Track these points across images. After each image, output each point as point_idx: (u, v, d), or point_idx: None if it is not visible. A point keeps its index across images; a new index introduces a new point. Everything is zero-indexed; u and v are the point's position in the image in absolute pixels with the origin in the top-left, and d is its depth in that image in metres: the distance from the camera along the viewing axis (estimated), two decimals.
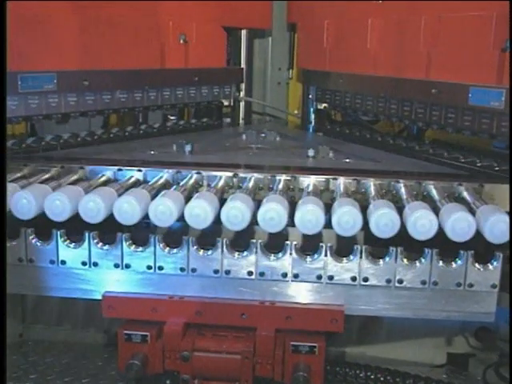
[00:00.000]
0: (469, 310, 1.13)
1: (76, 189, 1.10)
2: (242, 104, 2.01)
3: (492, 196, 1.13)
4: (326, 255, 1.11)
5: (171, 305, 1.16)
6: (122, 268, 1.16)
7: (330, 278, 1.13)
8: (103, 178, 1.20)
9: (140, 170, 1.21)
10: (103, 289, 1.17)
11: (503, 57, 1.22)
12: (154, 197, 1.09)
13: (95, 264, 1.16)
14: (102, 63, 1.51)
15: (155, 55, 1.65)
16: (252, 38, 2.03)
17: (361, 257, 1.06)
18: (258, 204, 1.08)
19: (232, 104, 1.91)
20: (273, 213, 1.03)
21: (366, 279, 1.12)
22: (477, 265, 1.09)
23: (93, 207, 1.04)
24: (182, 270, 1.15)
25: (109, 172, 1.22)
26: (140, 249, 1.15)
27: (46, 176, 1.20)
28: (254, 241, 1.11)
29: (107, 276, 1.17)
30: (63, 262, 1.16)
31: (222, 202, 1.09)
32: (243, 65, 2.00)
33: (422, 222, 0.99)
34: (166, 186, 1.18)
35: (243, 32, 1.99)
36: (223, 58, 1.87)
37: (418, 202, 1.05)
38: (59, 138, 1.47)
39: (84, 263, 1.16)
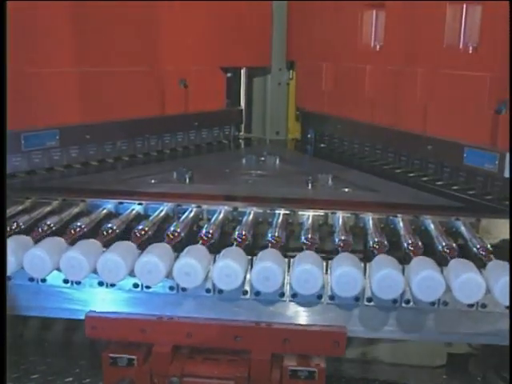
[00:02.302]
0: (482, 332, 1.06)
1: (93, 245, 1.03)
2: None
3: (489, 230, 1.13)
4: (326, 273, 1.02)
5: (159, 326, 1.07)
6: (107, 286, 1.09)
7: (331, 297, 1.05)
8: (104, 212, 1.20)
9: (141, 204, 1.21)
10: (88, 308, 1.10)
11: (497, 119, 1.23)
12: (155, 232, 1.09)
13: (77, 282, 1.08)
14: (102, 114, 1.56)
15: (156, 102, 1.72)
16: (252, 76, 2.08)
17: (364, 275, 0.99)
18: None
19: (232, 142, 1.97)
20: (268, 272, 0.96)
21: (369, 299, 1.04)
22: None
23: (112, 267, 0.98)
24: (171, 288, 1.07)
25: (110, 205, 1.22)
26: None
27: (48, 209, 1.20)
28: (249, 257, 1.03)
29: (91, 295, 1.10)
30: (43, 280, 1.09)
31: (223, 236, 1.09)
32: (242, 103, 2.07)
33: (428, 284, 0.94)
34: (167, 219, 1.18)
35: (242, 71, 2.04)
36: (223, 100, 1.94)
37: (422, 259, 0.99)
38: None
39: (66, 281, 1.09)
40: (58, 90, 1.48)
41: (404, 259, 1.03)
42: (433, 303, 1.03)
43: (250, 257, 1.03)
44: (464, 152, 1.31)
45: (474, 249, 1.03)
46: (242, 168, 1.66)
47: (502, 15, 1.20)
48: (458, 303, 1.00)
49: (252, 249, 1.09)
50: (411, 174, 1.50)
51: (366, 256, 1.09)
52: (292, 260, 1.01)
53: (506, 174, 1.19)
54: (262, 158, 1.73)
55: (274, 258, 0.99)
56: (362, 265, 1.00)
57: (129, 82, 1.62)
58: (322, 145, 1.88)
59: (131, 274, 0.99)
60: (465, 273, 0.93)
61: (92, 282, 1.08)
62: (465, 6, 1.34)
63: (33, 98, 1.41)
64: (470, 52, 1.33)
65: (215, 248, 1.07)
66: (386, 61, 1.57)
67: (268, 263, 0.97)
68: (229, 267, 0.97)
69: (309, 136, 1.92)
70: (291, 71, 2.07)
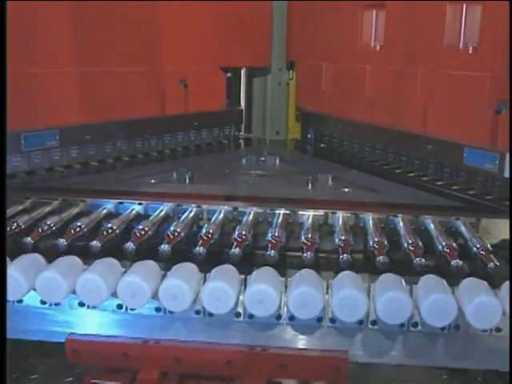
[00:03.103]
0: (497, 358, 0.98)
1: (72, 263, 0.98)
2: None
3: (489, 230, 1.12)
4: (326, 293, 0.95)
5: (145, 350, 0.99)
6: (88, 307, 1.00)
7: (332, 320, 0.97)
8: (104, 212, 1.20)
9: (141, 204, 1.21)
10: (70, 330, 1.03)
11: (497, 119, 1.23)
12: (155, 232, 1.08)
13: (56, 303, 1.01)
14: (102, 114, 1.56)
15: (156, 102, 1.72)
16: (252, 76, 2.08)
17: (369, 296, 0.92)
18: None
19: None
20: (262, 295, 0.89)
21: (374, 322, 0.97)
22: None
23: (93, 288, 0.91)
24: (157, 310, 1.00)
25: (110, 205, 1.21)
26: None
27: (48, 209, 1.20)
28: (242, 277, 0.97)
29: (72, 316, 1.03)
30: (20, 301, 1.01)
31: (223, 236, 1.08)
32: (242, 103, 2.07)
33: (439, 307, 0.87)
34: (167, 219, 1.17)
35: (242, 71, 2.04)
36: (223, 100, 1.94)
37: (431, 278, 0.94)
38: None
39: (43, 302, 1.01)
40: (58, 90, 1.48)
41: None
42: (443, 327, 0.95)
43: (243, 276, 0.97)
44: (464, 152, 1.31)
45: (474, 249, 1.03)
46: (241, 168, 1.66)
47: (502, 15, 1.20)
48: (470, 327, 0.93)
49: (252, 249, 1.09)
50: (411, 174, 1.50)
51: (367, 256, 1.10)
52: (289, 280, 0.96)
53: (506, 174, 1.19)
54: (262, 158, 1.73)
55: (270, 280, 0.92)
56: (366, 285, 0.94)
57: (129, 82, 1.62)
58: (322, 145, 1.88)
59: (114, 294, 0.93)
60: (479, 296, 0.87)
61: (72, 303, 1.01)
62: (465, 6, 1.34)
63: (33, 97, 1.41)
64: (470, 52, 1.33)
65: (215, 247, 1.06)
66: (386, 61, 1.57)
67: (262, 286, 0.90)
68: (219, 290, 0.90)
69: (309, 136, 1.92)
70: (291, 71, 2.07)
